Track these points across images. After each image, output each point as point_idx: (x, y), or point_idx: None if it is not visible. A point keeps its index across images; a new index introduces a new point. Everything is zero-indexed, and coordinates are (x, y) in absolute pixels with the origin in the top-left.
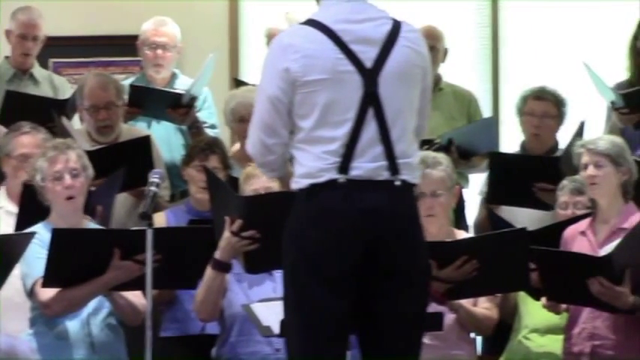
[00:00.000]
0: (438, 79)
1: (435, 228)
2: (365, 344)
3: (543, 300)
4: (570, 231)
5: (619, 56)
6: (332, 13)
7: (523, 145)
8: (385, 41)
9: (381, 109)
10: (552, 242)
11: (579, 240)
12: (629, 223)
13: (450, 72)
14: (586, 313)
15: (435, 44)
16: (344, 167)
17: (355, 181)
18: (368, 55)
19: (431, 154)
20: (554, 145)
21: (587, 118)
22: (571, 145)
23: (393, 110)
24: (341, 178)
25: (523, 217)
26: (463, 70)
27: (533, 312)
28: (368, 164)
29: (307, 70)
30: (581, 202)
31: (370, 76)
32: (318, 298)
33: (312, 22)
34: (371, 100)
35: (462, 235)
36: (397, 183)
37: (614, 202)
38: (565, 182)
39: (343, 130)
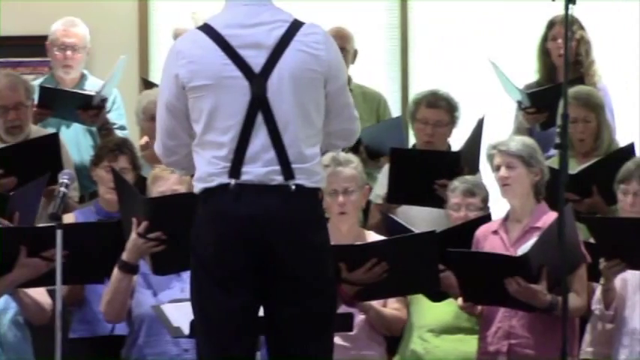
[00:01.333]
0: (347, 80)
1: (346, 226)
2: (271, 346)
3: (459, 301)
4: (482, 230)
5: (528, 57)
6: (227, 17)
7: (414, 147)
8: (276, 46)
9: (270, 114)
10: (460, 243)
11: (492, 239)
12: (542, 223)
13: (360, 73)
14: (501, 312)
15: (344, 46)
16: (234, 172)
17: (246, 185)
18: (257, 60)
19: (341, 153)
20: (447, 149)
21: (489, 115)
22: (471, 140)
23: (284, 115)
24: (232, 182)
25: (421, 220)
26: (372, 71)
27: (428, 312)
28: (259, 169)
29: (193, 75)
30: (473, 203)
31: (258, 81)
32: (213, 298)
33: (204, 27)
34: (259, 105)
35: (370, 235)
36: (292, 187)
37: (527, 203)
38: (456, 183)
39: (230, 136)
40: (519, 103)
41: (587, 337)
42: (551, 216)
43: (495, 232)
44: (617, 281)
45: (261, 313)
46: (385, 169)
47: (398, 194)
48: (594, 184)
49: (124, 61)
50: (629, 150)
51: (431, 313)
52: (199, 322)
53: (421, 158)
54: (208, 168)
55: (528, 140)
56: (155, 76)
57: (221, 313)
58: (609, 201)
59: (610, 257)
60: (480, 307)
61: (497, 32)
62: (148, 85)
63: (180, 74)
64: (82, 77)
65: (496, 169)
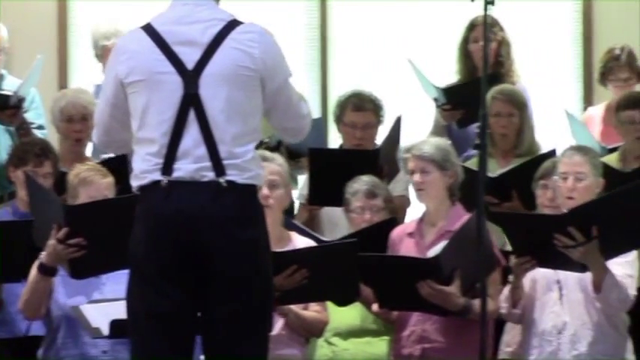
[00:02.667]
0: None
1: (270, 219)
2: (206, 346)
3: (375, 307)
4: (398, 232)
5: (447, 57)
6: (167, 15)
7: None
8: (210, 43)
9: (202, 111)
10: (369, 247)
11: (407, 242)
12: (457, 226)
13: None
14: (415, 315)
15: None
16: (166, 169)
17: (177, 182)
18: (190, 56)
19: (266, 152)
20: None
21: (409, 114)
22: (389, 138)
23: (216, 112)
24: (164, 179)
25: (345, 221)
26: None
27: (335, 316)
28: (190, 165)
29: (130, 71)
30: (376, 205)
31: (191, 77)
32: (144, 297)
33: (145, 25)
34: (191, 101)
35: (293, 237)
36: (223, 184)
37: (442, 205)
38: (356, 186)
39: (162, 132)
40: (436, 100)
41: (506, 337)
42: (465, 219)
43: (411, 235)
44: (527, 281)
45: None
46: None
47: (319, 195)
48: (514, 189)
49: (42, 61)
50: (551, 156)
51: (338, 317)
52: (132, 322)
53: (340, 158)
54: (142, 165)
55: (442, 142)
56: (74, 76)
57: (153, 313)
58: (528, 206)
59: (521, 254)
60: (395, 312)
61: (416, 32)
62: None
63: (119, 71)
64: (0, 77)
65: (410, 173)
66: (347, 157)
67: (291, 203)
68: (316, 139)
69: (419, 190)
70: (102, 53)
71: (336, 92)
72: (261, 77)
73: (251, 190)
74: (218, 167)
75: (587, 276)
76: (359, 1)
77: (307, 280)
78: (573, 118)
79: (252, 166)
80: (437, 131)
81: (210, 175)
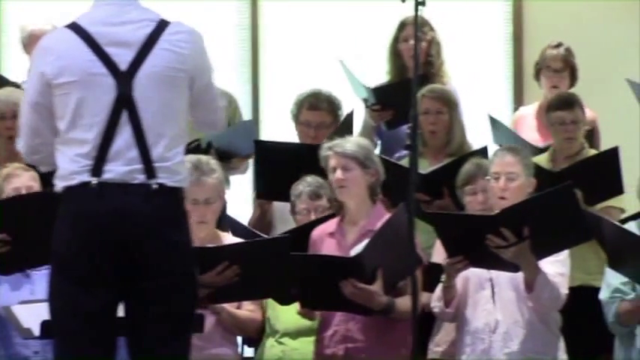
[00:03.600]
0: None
1: (204, 233)
2: (132, 346)
3: (298, 307)
4: (318, 232)
5: (378, 57)
6: (94, 15)
7: None
8: (143, 44)
9: (135, 113)
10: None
11: (328, 242)
12: (379, 225)
13: None
14: (339, 315)
15: None
16: (96, 170)
17: (108, 184)
18: (123, 58)
19: (204, 159)
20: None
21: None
22: (339, 133)
23: (149, 114)
24: (93, 181)
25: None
26: (223, 72)
27: (283, 316)
28: (121, 167)
29: (60, 72)
30: (321, 205)
31: (124, 79)
32: (72, 298)
33: (71, 25)
34: (124, 103)
35: (226, 237)
36: (154, 186)
37: (363, 204)
38: (300, 188)
39: (94, 133)
40: (365, 100)
41: (435, 336)
42: (389, 217)
43: (332, 235)
44: (459, 280)
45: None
46: None
47: (266, 190)
48: (445, 186)
49: None
50: (483, 152)
51: (287, 317)
52: (57, 324)
53: (286, 152)
54: (71, 166)
55: (363, 141)
56: (5, 73)
57: (80, 314)
58: (459, 203)
59: (453, 254)
60: (318, 312)
61: (347, 32)
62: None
63: (47, 71)
64: None
65: (332, 170)
66: (293, 151)
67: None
68: (247, 139)
69: (340, 187)
70: (28, 42)
71: (267, 93)
72: (191, 77)
73: (179, 193)
74: (149, 170)
75: (519, 275)
76: (290, 2)
77: (239, 278)
78: (496, 121)
79: (181, 169)
80: (365, 132)
81: (140, 178)
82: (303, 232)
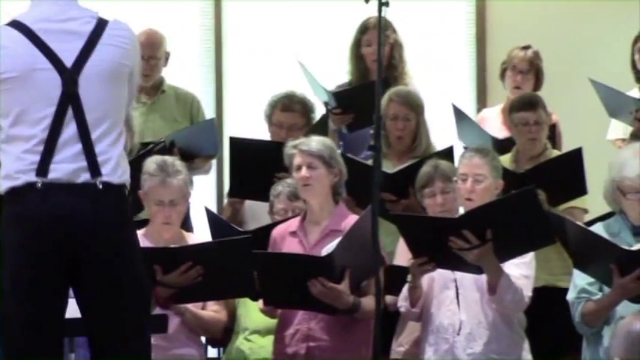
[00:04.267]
0: (160, 82)
1: (169, 234)
2: (92, 346)
3: (260, 304)
4: (280, 231)
5: (340, 58)
6: (35, 13)
7: None
8: (88, 40)
9: (80, 109)
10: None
11: (290, 241)
12: (343, 226)
13: (174, 74)
14: (300, 314)
15: (154, 54)
16: (42, 169)
17: (53, 184)
18: (68, 53)
19: (169, 160)
20: None
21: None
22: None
23: (95, 110)
24: (39, 182)
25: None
26: (186, 72)
27: (254, 314)
28: (67, 165)
29: (3, 68)
30: (298, 207)
31: (70, 74)
32: (18, 302)
33: (12, 23)
34: (70, 98)
35: (190, 237)
36: (99, 186)
37: (326, 204)
38: (279, 188)
39: (40, 129)
40: (326, 104)
41: (397, 336)
42: (351, 219)
43: (293, 234)
44: (424, 279)
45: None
46: None
47: (239, 188)
48: (411, 186)
49: None
50: (449, 152)
51: (257, 315)
52: (5, 327)
53: (260, 150)
54: (16, 164)
55: (328, 141)
56: None
57: (26, 317)
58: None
59: (418, 255)
60: (279, 310)
61: (310, 33)
62: None
63: None
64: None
65: (296, 169)
66: (266, 149)
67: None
68: (209, 139)
69: (305, 185)
70: None
71: (231, 93)
72: (131, 72)
73: (123, 190)
74: (94, 168)
75: (484, 276)
76: (254, 2)
77: (202, 278)
78: (460, 112)
79: (123, 162)
80: (328, 135)
81: (85, 177)
82: (267, 232)
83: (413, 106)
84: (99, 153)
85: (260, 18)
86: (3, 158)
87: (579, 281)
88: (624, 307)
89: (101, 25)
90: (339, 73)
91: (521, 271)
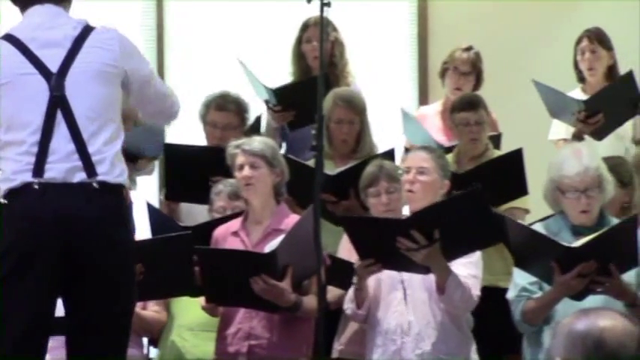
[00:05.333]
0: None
1: None
2: (71, 345)
3: (202, 301)
4: (221, 231)
5: (283, 58)
6: (24, 24)
7: None
8: (72, 45)
9: (70, 112)
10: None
11: (231, 240)
12: (285, 225)
13: None
14: (242, 313)
15: None
16: (38, 169)
17: (50, 184)
18: (54, 59)
19: None
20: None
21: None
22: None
23: (85, 111)
24: (35, 182)
25: (203, 218)
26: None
27: (188, 311)
28: (62, 165)
29: None
30: (238, 206)
31: (56, 79)
32: (15, 299)
33: (4, 36)
34: (58, 103)
35: None
36: (95, 185)
37: (267, 204)
38: (220, 187)
39: (31, 132)
40: (267, 102)
41: (339, 336)
42: (292, 218)
43: (235, 234)
44: (372, 281)
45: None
46: None
47: (175, 191)
48: (352, 187)
49: None
50: (390, 154)
51: (191, 312)
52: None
53: (195, 155)
54: (13, 166)
55: (270, 141)
56: None
57: (20, 313)
58: (365, 205)
59: (365, 257)
60: (221, 308)
61: (253, 33)
62: None
63: None
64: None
65: (239, 168)
66: (202, 154)
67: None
68: (153, 140)
69: (247, 185)
70: None
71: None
72: (123, 73)
73: (120, 190)
74: (89, 168)
75: (432, 276)
76: (196, 2)
77: (143, 276)
78: (408, 115)
79: (120, 163)
80: (269, 134)
81: (81, 176)
82: (206, 230)
83: (357, 110)
84: (93, 153)
85: (202, 18)
86: (2, 165)
87: (520, 280)
88: (564, 307)
89: (87, 30)
90: (281, 74)
91: (469, 270)
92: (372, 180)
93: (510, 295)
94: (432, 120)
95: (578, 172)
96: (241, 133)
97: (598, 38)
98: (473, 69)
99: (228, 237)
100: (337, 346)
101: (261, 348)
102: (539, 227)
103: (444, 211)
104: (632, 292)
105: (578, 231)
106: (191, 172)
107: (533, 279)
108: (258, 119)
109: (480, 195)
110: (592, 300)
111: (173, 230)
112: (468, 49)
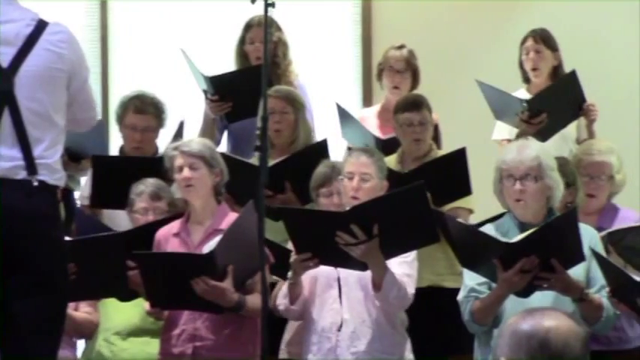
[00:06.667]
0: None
1: None
2: (4, 343)
3: (147, 306)
4: (163, 233)
5: (228, 58)
6: None
7: (122, 150)
8: (24, 43)
9: (17, 110)
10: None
11: (173, 242)
12: (225, 225)
13: None
14: (186, 314)
15: None
16: None
17: None
18: (5, 56)
19: None
20: (155, 152)
21: (188, 114)
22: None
23: (31, 111)
24: None
25: (127, 223)
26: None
27: (115, 315)
28: (4, 163)
29: None
30: (160, 207)
31: (5, 76)
32: None
33: None
34: (6, 100)
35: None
36: (35, 183)
37: (208, 204)
38: (142, 187)
39: None
40: (205, 92)
41: (286, 336)
42: (233, 217)
43: (177, 235)
44: (308, 279)
45: None
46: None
47: (101, 198)
48: (287, 180)
49: None
50: (322, 146)
51: (118, 316)
52: None
53: (122, 164)
54: None
55: (207, 141)
56: None
57: None
58: (302, 197)
59: (302, 251)
60: (166, 312)
61: (196, 33)
62: None
63: None
64: None
65: (178, 170)
66: (130, 163)
67: (73, 204)
68: (97, 140)
69: (187, 186)
70: None
71: (117, 93)
72: (69, 77)
73: (56, 191)
74: (31, 167)
75: (367, 274)
76: (140, 2)
77: (76, 277)
78: (345, 112)
79: (59, 167)
80: (207, 125)
81: (22, 174)
82: (139, 233)
83: (290, 100)
84: (36, 155)
85: (146, 18)
86: None
87: (469, 281)
88: (513, 306)
89: (39, 28)
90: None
91: (404, 269)
92: (324, 180)
93: (460, 296)
94: (371, 121)
95: (514, 159)
96: (157, 134)
97: (543, 38)
98: (408, 66)
99: (170, 238)
100: (284, 347)
101: (206, 349)
102: (489, 227)
103: (384, 205)
104: (579, 286)
105: (525, 229)
106: (117, 181)
107: (482, 280)
108: (181, 125)
109: (420, 191)
110: (541, 297)
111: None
112: (401, 47)
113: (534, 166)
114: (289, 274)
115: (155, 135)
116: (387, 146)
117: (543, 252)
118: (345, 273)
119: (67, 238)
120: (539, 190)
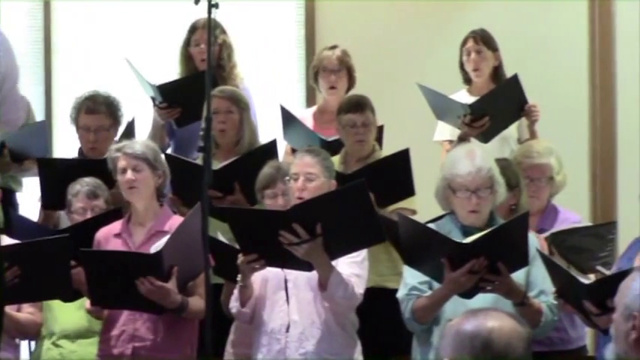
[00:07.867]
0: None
1: None
2: None
3: (87, 305)
4: (103, 233)
5: (172, 59)
6: None
7: (80, 152)
8: None
9: None
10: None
11: (114, 242)
12: (169, 226)
13: None
14: (125, 314)
15: None
16: None
17: None
18: None
19: None
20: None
21: (137, 117)
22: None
23: None
24: None
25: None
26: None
27: (62, 318)
28: None
29: None
30: (97, 205)
31: None
32: None
33: None
34: None
35: (3, 238)
36: None
37: (150, 205)
38: (78, 187)
39: None
40: (153, 99)
41: (231, 337)
42: (176, 219)
43: (118, 235)
44: (258, 281)
45: None
46: None
47: (52, 201)
48: (236, 181)
49: None
50: (270, 147)
51: (65, 319)
52: None
53: (67, 166)
54: None
55: (151, 143)
56: None
57: None
58: (251, 199)
59: (248, 252)
60: (106, 311)
61: (140, 33)
62: None
63: None
64: None
65: (121, 172)
66: (74, 165)
67: (16, 205)
68: (39, 141)
69: (130, 188)
70: None
71: (61, 94)
72: (2, 78)
73: None
74: None
75: (316, 275)
76: (83, 3)
77: (19, 279)
78: (288, 113)
79: None
80: (156, 131)
81: None
82: (80, 230)
83: (234, 100)
84: None
85: (89, 18)
86: None
87: (410, 280)
88: (453, 306)
89: None
90: (169, 74)
91: (353, 269)
92: (269, 181)
93: (400, 294)
94: (306, 122)
95: (470, 172)
96: (115, 132)
97: (483, 39)
98: (341, 66)
99: (110, 239)
100: (230, 348)
101: (146, 349)
102: (430, 227)
103: (325, 204)
104: (521, 291)
105: (468, 231)
106: (66, 181)
107: (424, 278)
108: (130, 124)
109: (362, 189)
110: (482, 299)
111: (43, 235)
112: (333, 47)
113: (487, 179)
114: (238, 276)
115: (110, 134)
116: (331, 147)
117: (493, 254)
118: (294, 274)
119: (11, 242)
120: (491, 199)
